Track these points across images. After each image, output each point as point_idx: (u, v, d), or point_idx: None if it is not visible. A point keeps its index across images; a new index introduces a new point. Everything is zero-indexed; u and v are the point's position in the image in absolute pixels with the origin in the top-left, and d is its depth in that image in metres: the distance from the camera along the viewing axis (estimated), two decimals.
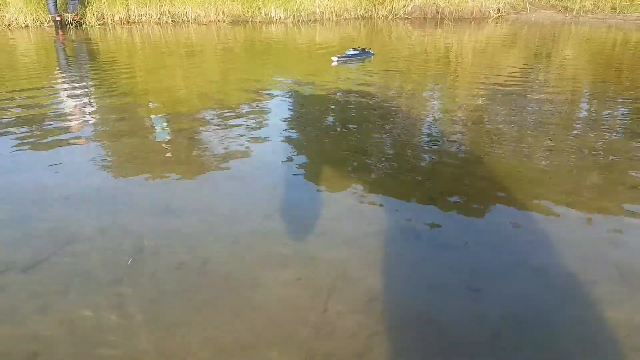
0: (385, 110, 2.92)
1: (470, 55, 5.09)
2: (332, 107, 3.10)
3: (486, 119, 2.69)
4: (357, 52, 4.90)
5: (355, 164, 2.23)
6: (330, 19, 7.95)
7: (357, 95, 3.37)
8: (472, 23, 7.77)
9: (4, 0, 7.12)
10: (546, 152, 2.30)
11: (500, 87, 3.52)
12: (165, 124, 2.70)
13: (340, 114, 2.92)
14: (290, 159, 2.36)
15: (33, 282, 1.48)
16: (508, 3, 8.36)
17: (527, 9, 8.40)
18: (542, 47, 5.82)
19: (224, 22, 7.62)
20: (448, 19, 7.97)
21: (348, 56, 4.83)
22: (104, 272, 1.54)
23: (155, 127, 2.61)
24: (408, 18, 8.06)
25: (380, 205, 1.95)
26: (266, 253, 1.62)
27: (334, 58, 4.75)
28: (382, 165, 2.26)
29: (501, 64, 4.62)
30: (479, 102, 3.08)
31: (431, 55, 5.13)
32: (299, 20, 7.78)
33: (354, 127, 2.62)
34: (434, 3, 8.15)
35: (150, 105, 3.31)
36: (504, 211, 1.73)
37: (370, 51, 5.00)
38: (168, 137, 2.44)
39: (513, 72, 4.23)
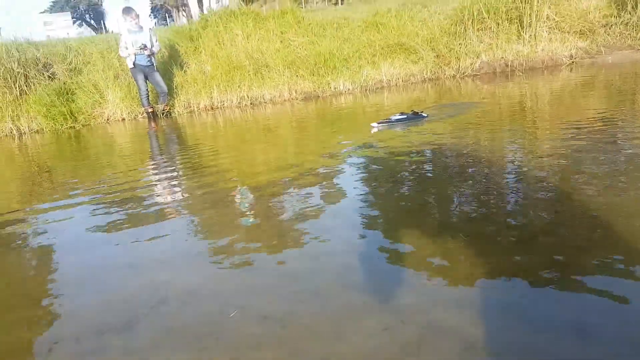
0: (462, 167, 2.96)
1: (547, 104, 5.00)
2: (405, 167, 3.18)
3: (573, 172, 2.59)
4: (404, 116, 4.71)
5: (434, 222, 2.25)
6: (397, 85, 8.24)
7: (431, 152, 3.44)
8: (545, 72, 7.68)
9: (104, 98, 8.21)
10: None
11: (583, 135, 3.41)
12: (248, 194, 2.93)
13: (414, 174, 2.99)
14: (365, 216, 2.45)
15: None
16: (581, 48, 8.20)
17: (602, 52, 8.17)
18: (624, 88, 5.58)
19: (297, 99, 8.17)
20: (519, 70, 7.94)
21: (391, 121, 4.64)
22: (194, 327, 1.68)
23: (240, 198, 2.83)
24: (477, 75, 8.15)
25: (463, 268, 1.95)
26: (348, 303, 1.66)
27: (374, 124, 4.62)
28: (463, 225, 2.25)
29: (582, 110, 4.49)
30: (563, 152, 3.01)
31: (505, 107, 5.12)
32: (366, 90, 8.16)
33: (431, 187, 2.65)
34: (502, 57, 8.20)
35: (233, 179, 3.61)
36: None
37: (423, 114, 4.78)
38: (251, 206, 2.63)
39: (596, 117, 4.09)
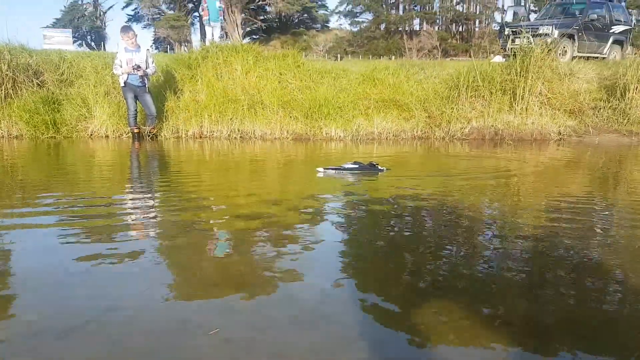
0: (442, 231, 2.88)
1: (532, 177, 5.06)
2: (384, 224, 3.11)
3: (549, 250, 2.56)
4: (356, 166, 4.60)
5: (409, 274, 2.18)
6: (388, 139, 8.34)
7: (410, 212, 3.38)
8: (533, 144, 7.87)
9: (90, 113, 8.14)
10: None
11: (565, 213, 3.42)
12: (225, 236, 2.82)
13: (393, 231, 2.91)
14: (338, 263, 2.38)
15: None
16: (569, 126, 8.47)
17: (589, 132, 8.45)
18: (608, 171, 5.72)
19: (287, 139, 8.20)
20: (508, 139, 8.12)
21: (340, 169, 4.54)
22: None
23: (216, 241, 2.71)
24: (466, 139, 8.31)
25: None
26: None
27: (320, 169, 4.55)
28: (433, 291, 2.20)
29: (566, 187, 4.55)
30: (542, 228, 2.99)
31: (489, 174, 5.17)
32: (357, 139, 8.24)
33: (408, 248, 2.57)
34: (492, 125, 8.41)
35: (209, 207, 3.52)
36: None
37: (380, 167, 4.64)
38: (227, 251, 2.52)
39: (579, 196, 4.13)
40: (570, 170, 5.61)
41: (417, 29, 42.88)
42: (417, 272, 2.17)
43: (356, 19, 43.68)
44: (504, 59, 10.84)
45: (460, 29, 43.00)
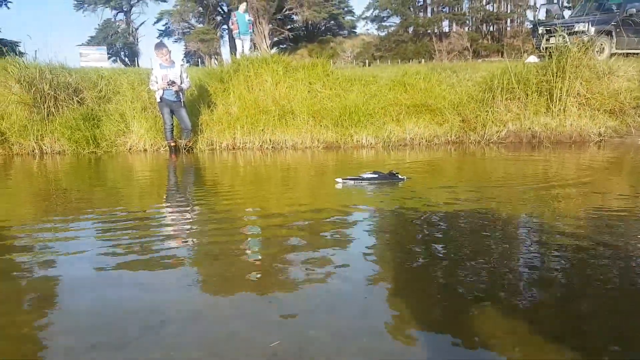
0: (478, 238, 2.86)
1: (572, 180, 4.95)
2: (417, 230, 3.11)
3: (594, 256, 2.52)
4: (376, 175, 4.53)
5: (440, 285, 2.17)
6: (420, 144, 8.31)
7: (445, 218, 3.37)
8: (572, 147, 7.68)
9: (129, 128, 8.44)
10: None
11: (608, 217, 3.34)
12: (260, 246, 2.90)
13: (427, 237, 2.92)
14: (370, 271, 2.40)
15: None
16: (610, 127, 8.23)
17: (631, 132, 8.19)
18: None
19: (318, 147, 8.28)
20: (546, 142, 7.96)
21: (360, 179, 4.49)
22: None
23: (250, 249, 2.79)
24: (502, 143, 8.19)
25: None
26: None
27: (339, 180, 4.50)
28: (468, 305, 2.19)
29: (608, 190, 4.44)
30: (585, 233, 2.94)
31: (528, 179, 5.09)
32: (389, 146, 8.24)
33: (442, 255, 2.58)
34: (529, 128, 8.26)
35: (244, 217, 3.61)
36: None
37: (400, 176, 4.58)
38: (259, 258, 2.61)
39: (622, 199, 4.02)
40: (614, 173, 5.46)
41: (447, 30, 42.56)
42: (458, 282, 2.17)
43: (383, 24, 43.75)
44: (539, 59, 10.63)
45: (491, 28, 42.43)
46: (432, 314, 1.84)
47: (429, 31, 41.01)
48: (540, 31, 12.13)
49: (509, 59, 12.51)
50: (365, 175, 4.53)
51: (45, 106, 8.39)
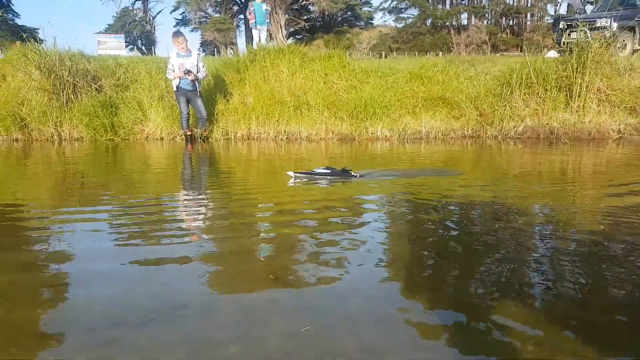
0: (491, 234, 2.85)
1: (589, 177, 4.90)
2: (430, 223, 3.13)
3: (611, 252, 2.51)
4: (329, 171, 4.49)
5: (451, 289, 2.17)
6: (437, 138, 8.28)
7: (461, 211, 3.37)
8: (591, 143, 7.59)
9: (146, 116, 8.54)
10: None
11: (626, 213, 3.32)
12: (271, 234, 2.95)
13: (440, 231, 2.93)
14: (385, 268, 2.41)
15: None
16: (630, 124, 8.11)
17: None
18: None
19: (332, 139, 8.29)
20: (564, 138, 7.87)
21: (312, 174, 4.46)
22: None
23: (263, 238, 2.84)
24: (519, 138, 8.12)
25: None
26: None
27: (291, 173, 4.46)
28: (481, 298, 2.20)
29: (627, 187, 4.39)
30: (599, 230, 2.92)
31: (545, 175, 5.06)
32: (404, 138, 8.22)
33: (455, 249, 2.59)
34: (547, 123, 8.17)
35: (258, 205, 3.66)
36: None
37: (353, 173, 4.50)
38: (273, 247, 2.65)
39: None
40: (633, 171, 5.40)
41: (465, 23, 42.00)
42: (474, 276, 2.19)
43: (401, 15, 43.26)
44: (559, 54, 10.48)
45: (511, 22, 41.75)
46: (448, 307, 1.86)
47: (447, 24, 40.48)
48: (561, 26, 11.94)
49: (528, 53, 12.35)
50: (318, 171, 4.50)
51: (64, 93, 8.53)
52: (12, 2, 34.19)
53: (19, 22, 35.33)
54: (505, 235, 2.79)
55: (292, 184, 4.30)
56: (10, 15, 35.23)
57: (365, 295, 1.96)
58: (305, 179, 4.42)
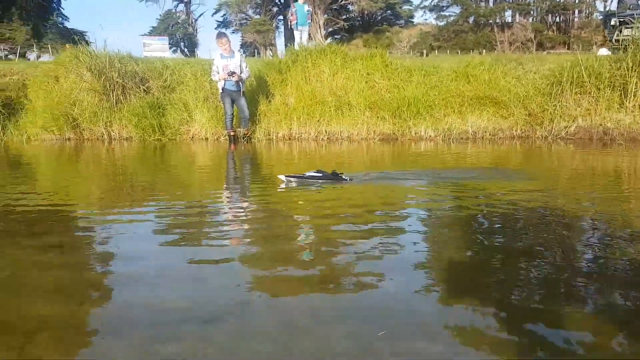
0: (539, 238, 2.72)
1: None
2: (476, 226, 3.04)
3: None
4: (320, 174, 4.41)
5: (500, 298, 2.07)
6: (484, 138, 8.09)
7: (508, 215, 3.24)
8: None
9: (191, 117, 8.73)
10: None
11: None
12: (309, 232, 2.94)
13: (485, 236, 2.83)
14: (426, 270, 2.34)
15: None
16: None
17: None
18: None
19: (374, 139, 8.24)
20: (619, 139, 7.53)
21: (303, 177, 4.38)
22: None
23: (305, 240, 2.84)
24: (571, 139, 7.83)
25: None
26: None
27: (282, 177, 4.40)
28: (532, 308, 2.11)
29: None
30: None
31: (599, 178, 4.85)
32: (449, 138, 8.08)
33: (499, 255, 2.49)
34: (601, 124, 7.84)
35: (300, 207, 3.67)
36: None
37: (344, 177, 4.40)
38: (314, 237, 2.63)
39: None
40: None
41: (509, 20, 40.97)
42: (517, 281, 2.11)
43: (442, 13, 42.65)
44: (611, 52, 10.04)
45: (557, 19, 40.44)
46: (489, 313, 1.80)
47: (490, 21, 39.62)
48: (613, 22, 11.47)
49: (575, 51, 11.90)
50: (308, 174, 4.44)
51: (114, 94, 8.84)
52: (62, 6, 35.69)
53: (68, 25, 37.00)
54: (555, 241, 2.68)
55: (284, 188, 4.23)
56: (60, 19, 36.89)
57: (406, 301, 1.92)
58: (295, 183, 4.34)
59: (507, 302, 1.89)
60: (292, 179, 4.37)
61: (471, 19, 40.29)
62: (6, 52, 31.39)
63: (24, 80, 10.30)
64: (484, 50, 27.39)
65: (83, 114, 8.81)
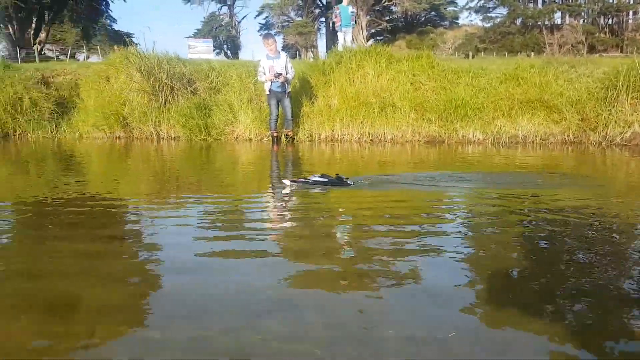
0: (593, 249, 2.60)
1: None
2: (524, 233, 2.92)
3: None
4: (325, 179, 4.34)
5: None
6: (534, 142, 7.86)
7: (557, 222, 3.11)
8: None
9: (236, 118, 8.87)
10: None
11: None
12: (352, 237, 2.93)
13: (532, 242, 2.73)
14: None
15: None
16: None
17: None
18: None
19: (419, 142, 8.13)
20: None
21: (307, 181, 4.32)
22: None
23: (345, 240, 2.84)
24: (626, 145, 7.48)
25: None
26: None
27: (286, 181, 4.33)
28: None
29: None
30: None
31: None
32: (498, 142, 7.88)
33: (544, 262, 2.40)
34: None
35: (338, 208, 3.69)
36: None
37: (348, 181, 4.33)
38: (354, 249, 2.62)
39: None
40: None
41: (559, 22, 39.63)
42: (562, 286, 2.02)
43: (489, 14, 41.69)
44: None
45: (610, 21, 38.80)
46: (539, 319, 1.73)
47: (539, 23, 38.43)
48: None
49: (631, 54, 11.36)
50: (312, 178, 4.38)
51: (163, 95, 9.09)
52: (110, 8, 36.98)
53: (115, 27, 38.40)
54: (605, 249, 2.56)
55: (288, 192, 4.18)
56: (108, 21, 38.31)
57: (446, 302, 1.88)
58: (298, 187, 4.28)
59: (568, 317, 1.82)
60: (296, 184, 4.33)
61: (519, 21, 39.21)
62: (57, 53, 32.97)
63: (76, 80, 10.74)
64: (532, 53, 26.60)
65: (133, 114, 9.11)
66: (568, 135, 7.90)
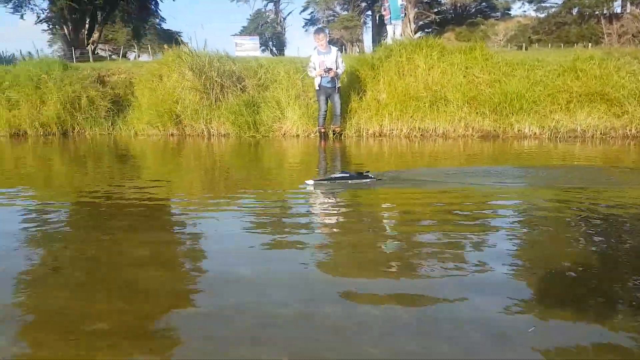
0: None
1: None
2: (571, 234, 2.79)
3: None
4: (346, 175, 4.29)
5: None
6: (594, 137, 7.52)
7: (607, 223, 2.95)
8: None
9: (284, 114, 8.96)
10: None
11: None
12: (396, 231, 2.91)
13: (579, 243, 2.61)
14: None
15: None
16: None
17: None
18: None
19: (472, 136, 7.95)
20: None
21: (331, 179, 4.23)
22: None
23: (390, 235, 2.83)
24: None
25: None
26: None
27: (309, 182, 4.18)
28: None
29: None
30: None
31: None
32: (556, 137, 7.60)
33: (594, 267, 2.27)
34: None
35: (385, 205, 3.69)
36: None
37: (370, 176, 4.28)
38: (399, 245, 2.60)
39: None
40: None
41: (619, 11, 37.55)
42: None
43: (543, 4, 40.06)
44: None
45: None
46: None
47: (596, 12, 36.56)
48: None
49: None
50: (334, 176, 4.34)
51: (213, 92, 9.31)
52: (159, 8, 37.98)
53: (164, 26, 39.47)
54: None
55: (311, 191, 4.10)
56: (158, 20, 39.43)
57: (478, 305, 1.83)
58: (325, 186, 4.19)
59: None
60: (320, 183, 4.24)
61: (575, 10, 37.45)
62: (109, 53, 34.30)
63: (131, 79, 11.13)
64: (589, 44, 25.39)
65: (185, 112, 9.37)
66: (630, 130, 7.52)
